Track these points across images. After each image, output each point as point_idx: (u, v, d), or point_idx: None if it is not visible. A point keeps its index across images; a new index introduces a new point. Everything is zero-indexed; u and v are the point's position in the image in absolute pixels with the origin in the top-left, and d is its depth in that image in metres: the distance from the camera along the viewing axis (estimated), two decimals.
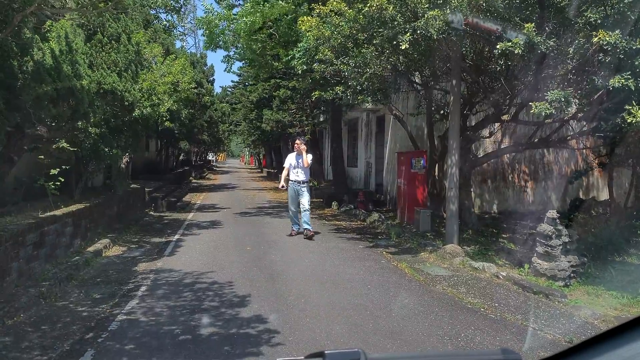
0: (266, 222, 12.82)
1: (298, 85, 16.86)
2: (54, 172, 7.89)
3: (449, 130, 9.70)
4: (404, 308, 5.66)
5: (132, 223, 11.82)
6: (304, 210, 10.17)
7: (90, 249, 8.45)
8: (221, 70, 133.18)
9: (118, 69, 9.32)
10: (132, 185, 13.83)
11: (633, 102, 6.07)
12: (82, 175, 9.99)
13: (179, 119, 17.86)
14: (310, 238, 9.98)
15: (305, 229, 10.17)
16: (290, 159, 10.50)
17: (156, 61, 12.93)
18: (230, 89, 44.57)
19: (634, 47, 6.01)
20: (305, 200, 10.16)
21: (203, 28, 15.39)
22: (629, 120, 5.97)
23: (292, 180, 10.38)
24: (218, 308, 5.55)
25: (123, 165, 12.79)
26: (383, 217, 12.65)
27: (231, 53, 18.01)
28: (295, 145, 10.57)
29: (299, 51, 10.23)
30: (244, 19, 13.78)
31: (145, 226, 12.04)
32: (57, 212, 7.79)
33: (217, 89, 44.44)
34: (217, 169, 54.73)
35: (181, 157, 35.10)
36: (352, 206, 14.92)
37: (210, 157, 64.01)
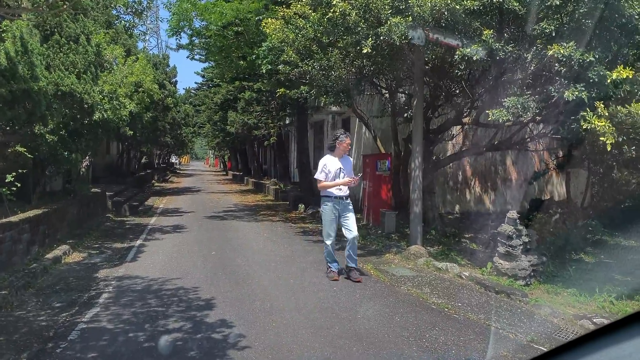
0: (232, 226, 12.72)
1: (263, 87, 16.81)
2: (9, 177, 7.63)
3: (412, 133, 9.84)
4: (370, 310, 5.71)
5: (93, 228, 11.54)
6: (352, 238, 6.88)
7: (49, 255, 8.20)
8: (184, 72, 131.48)
9: (77, 70, 9.09)
10: (93, 190, 13.50)
11: (587, 108, 6.28)
12: (40, 179, 9.70)
13: (141, 121, 17.54)
14: (358, 281, 6.89)
15: (351, 267, 7.02)
16: (331, 165, 6.94)
17: (117, 62, 12.69)
18: (193, 91, 44.10)
19: (588, 60, 6.22)
20: (352, 223, 6.90)
21: (170, 11, 15.12)
22: (584, 127, 6.17)
23: (330, 197, 6.93)
24: (183, 313, 5.48)
25: (83, 169, 12.48)
26: None
27: (195, 41, 17.75)
28: (338, 143, 6.98)
29: (263, 50, 10.19)
30: (217, 8, 13.64)
31: (106, 231, 11.77)
32: (13, 219, 7.54)
33: (181, 91, 43.75)
34: (181, 172, 53.97)
35: (143, 160, 34.45)
36: (319, 208, 14.94)
37: (174, 159, 63.09)
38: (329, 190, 6.92)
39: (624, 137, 6.46)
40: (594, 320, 5.15)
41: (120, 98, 10.32)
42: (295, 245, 9.95)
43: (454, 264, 7.72)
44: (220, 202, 19.50)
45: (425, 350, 4.46)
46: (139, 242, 10.30)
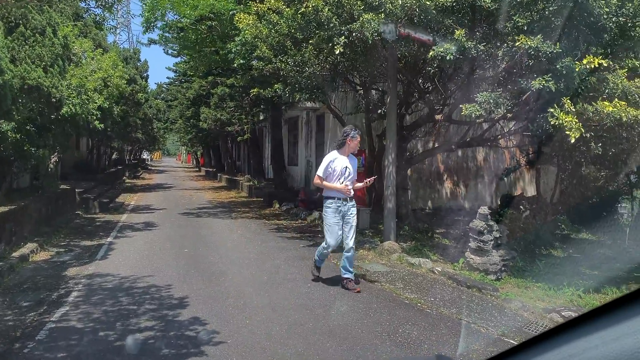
0: (205, 223, 12.60)
1: (237, 83, 16.67)
2: None
3: (386, 129, 9.89)
4: (344, 306, 5.73)
5: (61, 226, 11.28)
6: (348, 249, 6.37)
7: (16, 254, 7.98)
8: (156, 67, 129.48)
9: (44, 63, 8.84)
10: (62, 186, 13.20)
11: (555, 105, 6.41)
12: (6, 176, 9.43)
13: (111, 116, 17.21)
14: (351, 289, 6.31)
15: (346, 278, 6.42)
16: (337, 163, 6.33)
17: (86, 56, 12.41)
18: (165, 86, 43.46)
19: (555, 51, 6.35)
20: (351, 232, 6.38)
21: (144, 3, 14.81)
22: (552, 123, 6.30)
23: (334, 198, 6.34)
24: (156, 311, 5.41)
25: (51, 165, 12.18)
26: None
27: (169, 35, 17.48)
28: (349, 140, 6.36)
29: (235, 45, 10.08)
30: (191, 1, 13.44)
31: (75, 229, 11.52)
32: None
33: (152, 86, 43.11)
34: (153, 168, 53.21)
35: (114, 156, 33.84)
36: (293, 205, 14.92)
37: (145, 155, 62.19)
38: (328, 190, 6.37)
39: (591, 134, 6.62)
40: (563, 313, 5.27)
41: (89, 92, 10.08)
42: (270, 242, 9.91)
43: (427, 260, 7.80)
44: (193, 198, 19.29)
45: (399, 345, 4.49)
46: (109, 239, 10.11)
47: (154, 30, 15.44)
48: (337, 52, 7.49)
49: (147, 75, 33.66)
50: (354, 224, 6.42)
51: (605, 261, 8.03)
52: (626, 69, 6.54)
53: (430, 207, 14.11)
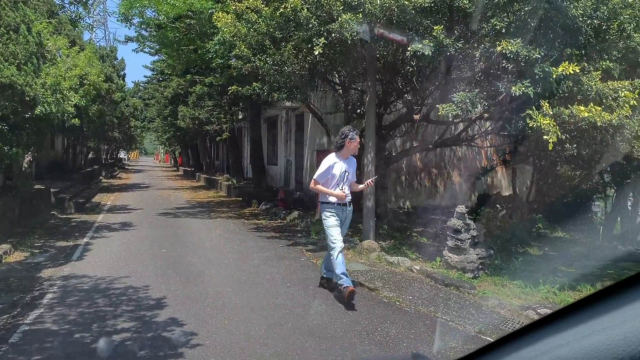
0: (183, 223, 12.49)
1: (215, 82, 16.54)
2: None
3: (365, 129, 9.92)
4: (323, 305, 5.73)
5: (36, 226, 11.06)
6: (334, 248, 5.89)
7: None
8: (133, 65, 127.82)
9: (17, 61, 8.66)
10: (36, 186, 12.95)
11: (533, 107, 6.51)
12: None
13: (87, 115, 16.93)
14: (351, 298, 5.63)
15: (326, 277, 6.34)
16: (337, 168, 5.92)
17: (61, 54, 12.19)
18: (143, 84, 42.92)
19: (534, 56, 6.45)
20: (341, 232, 6.05)
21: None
22: (530, 124, 6.40)
23: (332, 204, 5.91)
24: (133, 312, 5.34)
25: (25, 165, 11.94)
26: (303, 214, 12.72)
27: (145, 33, 17.25)
28: (348, 142, 5.94)
29: (214, 44, 10.00)
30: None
31: (50, 229, 11.32)
32: None
33: (129, 84, 42.50)
34: (130, 168, 52.54)
35: (90, 156, 33.32)
36: (272, 204, 14.88)
37: (122, 155, 61.35)
38: (329, 196, 5.91)
39: (567, 135, 6.74)
40: (538, 310, 5.36)
41: (65, 91, 9.90)
42: (249, 241, 9.87)
43: (405, 258, 7.85)
44: (171, 198, 19.11)
45: (377, 344, 4.51)
46: (85, 240, 9.96)
47: (130, 26, 15.24)
48: (317, 52, 7.49)
49: (124, 74, 33.22)
50: (347, 225, 6.27)
51: (580, 259, 8.19)
52: (600, 71, 6.67)
53: (408, 206, 14.21)
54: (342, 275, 5.71)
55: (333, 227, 5.90)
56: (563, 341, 0.61)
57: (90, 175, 25.80)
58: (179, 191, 22.77)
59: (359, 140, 6.10)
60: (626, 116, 6.08)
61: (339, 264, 5.77)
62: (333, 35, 7.37)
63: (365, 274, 7.21)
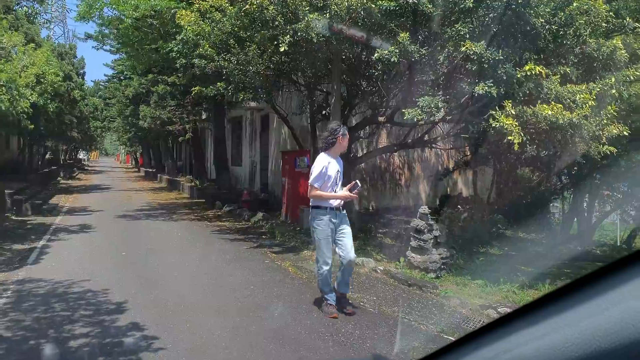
0: (145, 226, 12.23)
1: (178, 81, 16.28)
2: None
3: None
4: (287, 307, 5.69)
5: None
6: (348, 262, 5.32)
7: None
8: (93, 63, 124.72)
9: None
10: None
11: (496, 107, 6.65)
12: None
13: (45, 114, 16.41)
14: (350, 313, 5.37)
15: (342, 294, 5.55)
16: (331, 168, 5.30)
17: (17, 51, 11.78)
18: (103, 83, 41.93)
19: (497, 58, 6.59)
20: (349, 241, 5.35)
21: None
22: (493, 125, 6.52)
23: (325, 208, 5.28)
24: (92, 317, 5.19)
25: None
26: (268, 216, 12.64)
27: (105, 31, 16.81)
28: (339, 139, 5.38)
29: (177, 44, 9.83)
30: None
31: (4, 232, 10.89)
32: None
33: (89, 83, 41.45)
34: (90, 169, 51.19)
35: (48, 156, 32.35)
36: (237, 206, 14.74)
37: (82, 155, 59.81)
38: (322, 200, 5.27)
39: (528, 137, 6.90)
40: (499, 309, 5.46)
41: (20, 88, 9.55)
42: (212, 244, 9.74)
43: (370, 259, 7.89)
44: (132, 200, 18.70)
45: (341, 345, 4.51)
46: (42, 243, 9.63)
47: (88, 23, 14.85)
48: (282, 49, 7.44)
49: (84, 72, 32.45)
50: (349, 230, 5.43)
51: (539, 258, 8.40)
52: (559, 75, 6.86)
53: (373, 206, 14.31)
54: (329, 293, 5.39)
55: (325, 239, 5.23)
56: (522, 340, 0.61)
57: (48, 176, 25.04)
58: (140, 193, 22.32)
59: (347, 136, 5.56)
60: (585, 116, 6.26)
61: (324, 280, 5.34)
62: (299, 34, 7.35)
63: None
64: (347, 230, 5.37)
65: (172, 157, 32.49)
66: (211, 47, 9.01)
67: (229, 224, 12.57)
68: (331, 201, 5.26)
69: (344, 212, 5.44)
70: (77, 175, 36.75)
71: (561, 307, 0.58)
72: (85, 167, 51.43)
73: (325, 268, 5.29)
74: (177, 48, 9.88)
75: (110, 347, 4.36)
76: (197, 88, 10.63)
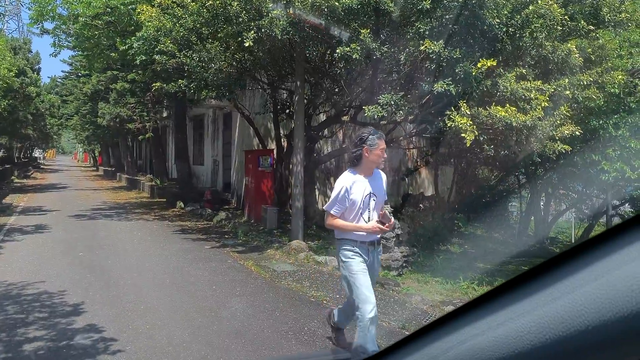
0: (102, 226, 11.92)
1: (138, 78, 15.93)
2: None
3: (294, 129, 9.92)
4: (250, 307, 5.65)
5: None
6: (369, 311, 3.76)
7: None
8: (49, 59, 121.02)
9: None
10: None
11: (452, 108, 6.79)
12: None
13: None
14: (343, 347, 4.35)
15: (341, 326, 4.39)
16: (356, 190, 3.90)
17: None
18: (60, 80, 40.71)
19: (454, 57, 6.72)
20: (372, 282, 3.97)
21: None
22: (449, 125, 6.66)
23: (355, 242, 3.91)
24: (47, 320, 5.01)
25: None
26: (231, 216, 12.53)
27: (62, 35, 16.31)
28: (366, 150, 3.84)
29: (137, 40, 9.62)
30: None
31: None
32: None
33: (45, 79, 40.18)
34: (46, 167, 49.55)
35: (1, 154, 31.19)
36: (199, 206, 14.54)
37: (38, 154, 57.90)
38: (349, 232, 3.87)
39: (485, 137, 7.06)
40: (459, 305, 5.56)
41: None
42: (173, 244, 9.57)
43: (333, 257, 7.91)
44: (90, 199, 18.20)
45: (304, 343, 4.50)
46: None
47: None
48: (247, 44, 7.38)
49: (40, 68, 31.45)
50: (378, 268, 4.24)
51: (497, 255, 8.62)
52: (514, 74, 7.05)
53: None
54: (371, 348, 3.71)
55: (360, 273, 3.80)
56: (478, 330, 0.62)
57: (1, 175, 24.12)
58: (98, 192, 21.76)
59: (384, 146, 3.87)
60: (539, 117, 6.46)
61: (370, 338, 3.74)
62: (263, 30, 7.30)
63: (293, 274, 7.19)
64: (376, 272, 4.19)
65: (132, 155, 31.80)
66: (172, 43, 8.86)
67: (190, 223, 12.39)
68: (362, 236, 3.84)
69: (380, 248, 4.09)
70: (32, 174, 35.52)
71: (516, 297, 0.59)
72: (41, 166, 49.76)
73: (369, 310, 3.71)
74: (136, 44, 9.66)
75: (66, 350, 4.23)
76: (157, 84, 10.43)
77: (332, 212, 3.89)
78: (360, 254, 3.88)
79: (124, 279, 6.77)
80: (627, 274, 0.48)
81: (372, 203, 3.93)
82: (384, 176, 4.10)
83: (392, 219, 3.95)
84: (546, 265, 0.57)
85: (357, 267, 3.87)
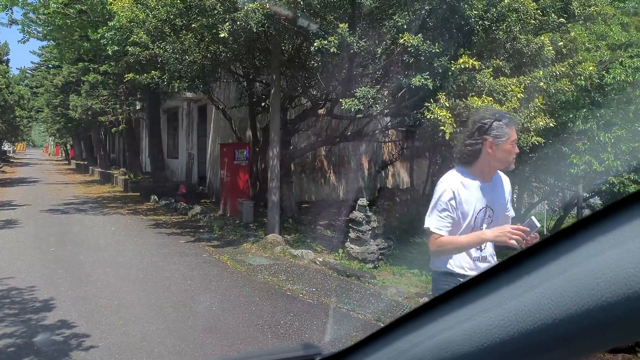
0: (74, 220, 11.69)
1: (110, 70, 15.63)
2: None
3: (270, 122, 9.86)
4: (225, 301, 5.61)
5: None
6: None
7: None
8: (18, 51, 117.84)
9: None
10: None
11: (431, 99, 6.83)
12: None
13: None
14: None
15: None
16: (466, 198, 2.53)
17: None
18: (30, 71, 39.74)
19: (433, 51, 6.75)
20: None
21: None
22: (427, 116, 6.69)
23: (454, 274, 2.56)
24: (17, 316, 4.90)
25: None
26: (206, 209, 12.42)
27: (32, 25, 15.91)
28: (488, 145, 2.47)
29: (108, 30, 9.42)
30: None
31: None
32: None
33: (14, 71, 39.14)
34: (16, 161, 48.36)
35: None
36: (173, 200, 14.37)
37: (7, 147, 56.45)
38: (449, 256, 2.62)
39: (461, 129, 7.12)
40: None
41: None
42: (146, 238, 9.45)
43: (309, 251, 7.91)
44: (61, 194, 17.83)
45: (279, 337, 4.49)
46: None
47: (12, 11, 13.98)
48: (222, 35, 7.29)
49: (8, 59, 30.62)
50: None
51: None
52: (491, 69, 7.12)
53: (313, 199, 14.36)
54: None
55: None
56: (447, 324, 0.62)
57: None
58: (70, 186, 21.34)
59: (515, 137, 2.57)
60: (514, 109, 6.54)
61: None
62: (238, 23, 7.22)
63: (269, 268, 7.17)
64: None
65: (105, 149, 31.25)
66: (145, 34, 8.70)
67: (165, 217, 12.24)
68: (462, 260, 2.59)
69: None
70: (1, 167, 34.65)
71: (485, 290, 0.60)
72: (11, 160, 48.55)
73: None
74: (108, 34, 9.47)
75: (37, 347, 4.14)
76: (130, 75, 10.24)
77: (434, 229, 2.53)
78: None
79: (97, 274, 6.66)
80: (593, 267, 0.49)
81: (487, 221, 2.61)
82: (506, 182, 2.77)
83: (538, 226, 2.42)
84: (515, 258, 0.57)
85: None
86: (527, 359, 0.56)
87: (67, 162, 45.50)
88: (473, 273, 2.49)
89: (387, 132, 11.06)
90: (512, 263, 0.57)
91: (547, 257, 0.53)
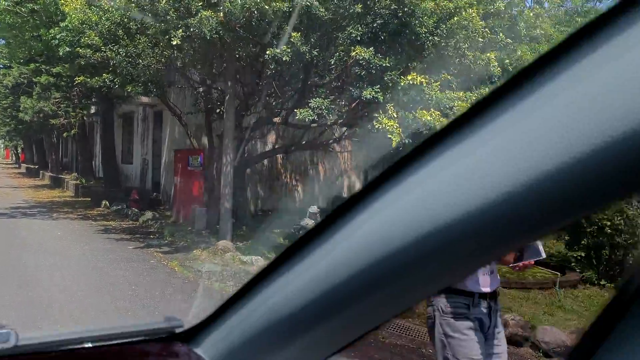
0: (20, 225, 11.31)
1: (63, 72, 15.25)
2: None
3: (224, 129, 9.84)
4: (170, 306, 5.56)
5: None
6: None
7: None
8: None
9: None
10: None
11: (380, 111, 6.99)
12: None
13: None
14: None
15: None
16: None
17: None
18: None
19: (384, 65, 6.93)
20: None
21: None
22: (377, 127, 6.84)
23: (465, 294, 2.31)
24: None
25: None
26: (158, 216, 12.23)
27: None
28: None
29: (60, 31, 9.23)
30: None
31: None
32: None
33: None
34: None
35: None
36: (125, 205, 14.09)
37: None
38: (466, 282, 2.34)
39: (410, 140, 7.30)
40: None
41: None
42: (95, 243, 9.23)
43: (259, 257, 7.93)
44: (9, 198, 17.20)
45: None
46: None
47: None
48: (175, 43, 7.27)
49: None
50: (503, 336, 2.56)
51: None
52: (439, 82, 7.35)
53: (269, 207, 14.35)
54: None
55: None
56: (276, 289, 0.65)
57: None
58: (18, 190, 20.61)
59: None
60: None
61: None
62: (192, 30, 7.21)
63: (218, 274, 7.15)
64: (502, 339, 2.52)
65: (58, 153, 30.32)
66: (98, 36, 8.57)
67: (115, 223, 11.99)
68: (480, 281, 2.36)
69: (498, 305, 2.49)
70: None
71: (306, 252, 0.62)
72: None
73: None
74: (60, 35, 9.28)
75: None
76: (81, 78, 10.03)
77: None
78: (475, 318, 2.29)
79: (40, 280, 6.47)
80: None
81: None
82: None
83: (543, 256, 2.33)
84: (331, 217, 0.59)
85: (468, 351, 2.26)
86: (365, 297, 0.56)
87: (17, 166, 43.94)
88: (487, 288, 2.37)
89: (343, 141, 11.19)
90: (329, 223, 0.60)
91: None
